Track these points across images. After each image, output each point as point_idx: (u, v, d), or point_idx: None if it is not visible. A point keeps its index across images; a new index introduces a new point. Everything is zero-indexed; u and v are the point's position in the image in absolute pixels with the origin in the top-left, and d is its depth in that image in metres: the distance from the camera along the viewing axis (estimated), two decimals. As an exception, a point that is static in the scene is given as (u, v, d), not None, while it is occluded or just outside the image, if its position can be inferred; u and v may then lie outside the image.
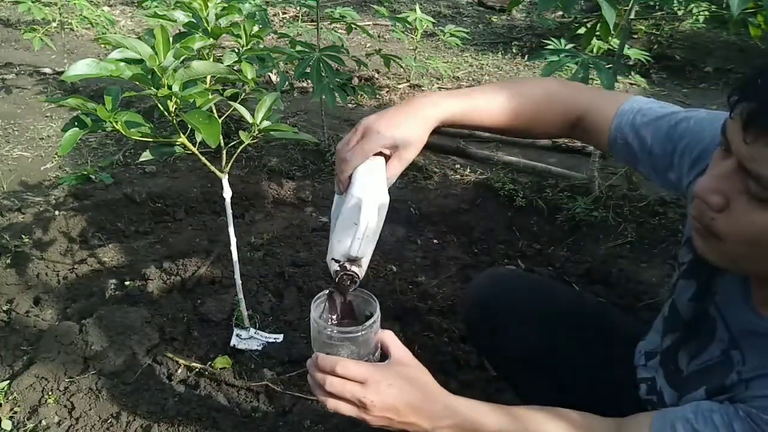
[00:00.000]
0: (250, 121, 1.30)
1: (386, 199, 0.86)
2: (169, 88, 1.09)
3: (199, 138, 1.24)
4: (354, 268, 0.87)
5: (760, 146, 0.62)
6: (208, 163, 1.37)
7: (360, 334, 0.83)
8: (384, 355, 0.88)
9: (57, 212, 2.33)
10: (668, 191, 0.98)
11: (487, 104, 0.93)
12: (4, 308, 1.81)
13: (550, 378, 1.10)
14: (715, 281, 0.86)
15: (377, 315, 0.85)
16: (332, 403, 0.80)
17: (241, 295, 1.64)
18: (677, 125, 0.90)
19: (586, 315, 1.18)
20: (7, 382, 1.51)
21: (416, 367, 0.85)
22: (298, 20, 5.22)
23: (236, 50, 1.39)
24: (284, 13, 5.70)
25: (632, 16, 2.13)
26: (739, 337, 0.79)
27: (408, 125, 0.88)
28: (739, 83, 0.67)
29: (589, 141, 1.02)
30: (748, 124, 0.63)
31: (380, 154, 0.87)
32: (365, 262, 0.88)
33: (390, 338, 0.87)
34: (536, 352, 1.11)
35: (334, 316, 0.93)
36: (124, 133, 1.17)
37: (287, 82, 2.81)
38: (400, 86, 4.12)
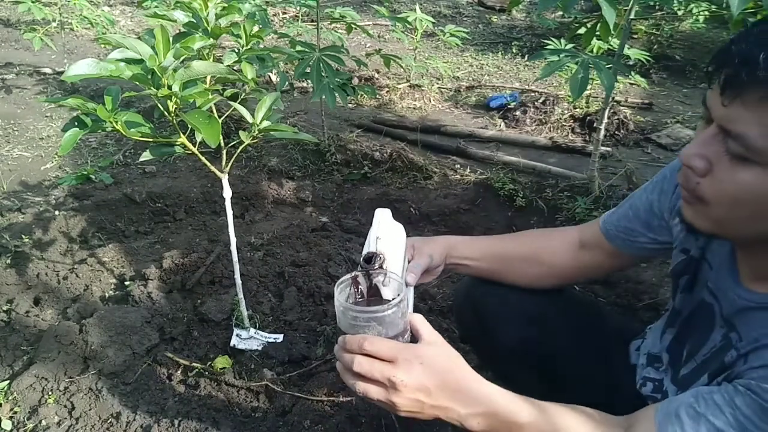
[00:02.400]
0: (250, 121, 1.30)
1: (402, 231, 0.97)
2: (169, 88, 1.09)
3: (199, 138, 1.24)
4: (379, 247, 0.88)
5: (737, 106, 0.66)
6: (208, 163, 1.37)
7: (386, 312, 0.78)
8: (414, 339, 0.82)
9: (57, 212, 2.33)
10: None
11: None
12: (4, 308, 1.81)
13: (542, 373, 1.11)
14: (704, 268, 0.90)
15: (404, 294, 0.80)
16: (361, 386, 0.75)
17: (241, 295, 1.64)
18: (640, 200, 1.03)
19: (575, 309, 1.19)
20: (7, 382, 1.51)
21: (449, 349, 0.79)
22: (298, 20, 5.22)
23: (236, 50, 1.39)
24: (284, 13, 5.71)
25: (632, 16, 2.13)
26: (734, 316, 0.81)
27: None
28: (714, 54, 0.72)
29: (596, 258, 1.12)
30: (725, 87, 0.67)
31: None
32: (393, 266, 0.89)
33: (420, 321, 0.82)
34: (527, 347, 1.11)
35: (360, 299, 0.89)
36: (124, 133, 1.17)
37: (287, 82, 2.82)
38: (400, 86, 4.12)
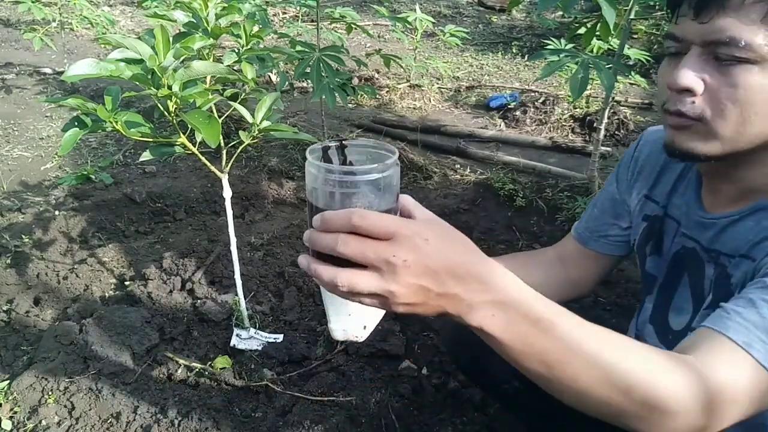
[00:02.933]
0: (250, 121, 1.30)
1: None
2: (169, 88, 1.09)
3: (199, 138, 1.24)
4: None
5: (720, 16, 0.71)
6: (208, 163, 1.37)
7: (381, 175, 0.59)
8: None
9: (57, 212, 2.33)
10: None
11: None
12: (4, 308, 1.81)
13: (539, 399, 1.10)
14: (668, 223, 0.96)
15: (396, 157, 0.62)
16: (346, 277, 0.56)
17: (241, 295, 1.64)
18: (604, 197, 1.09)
19: None
20: (7, 382, 1.51)
21: (454, 229, 0.62)
22: (298, 20, 5.22)
23: (236, 50, 1.39)
24: (284, 13, 5.71)
25: (632, 16, 2.13)
26: (715, 242, 0.85)
27: None
28: None
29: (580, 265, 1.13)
30: (700, 8, 0.72)
31: None
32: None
33: (413, 202, 0.65)
34: (520, 378, 1.11)
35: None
36: (124, 133, 1.17)
37: (287, 82, 2.82)
38: (400, 86, 4.12)
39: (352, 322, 0.83)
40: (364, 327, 0.84)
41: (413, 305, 0.57)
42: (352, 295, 0.57)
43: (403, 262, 0.55)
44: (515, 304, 0.58)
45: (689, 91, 0.75)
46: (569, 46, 2.55)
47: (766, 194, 0.81)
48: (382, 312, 0.85)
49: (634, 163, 1.04)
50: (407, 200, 0.65)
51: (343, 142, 0.66)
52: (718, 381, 0.62)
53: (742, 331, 0.65)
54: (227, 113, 1.47)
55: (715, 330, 0.67)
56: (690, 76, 0.74)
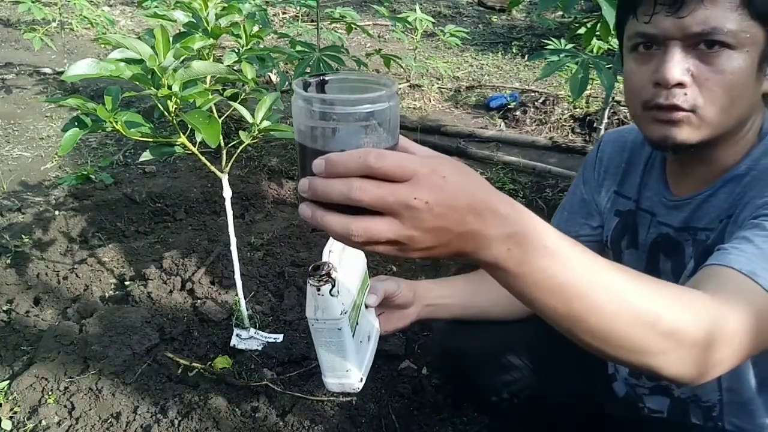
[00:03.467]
0: (250, 121, 1.30)
1: (361, 254, 0.85)
2: (169, 88, 1.10)
3: (199, 138, 1.24)
4: (331, 259, 0.77)
5: (700, 10, 0.74)
6: (208, 163, 1.37)
7: (388, 104, 0.51)
8: None
9: (57, 212, 2.33)
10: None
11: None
12: (4, 308, 1.81)
13: (528, 410, 1.11)
14: (641, 216, 0.98)
15: (396, 86, 0.54)
16: (362, 226, 0.50)
17: (241, 295, 1.64)
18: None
19: (548, 338, 1.17)
20: (7, 382, 1.51)
21: (457, 161, 0.56)
22: (298, 20, 5.22)
23: (236, 50, 1.39)
24: (284, 13, 5.71)
25: (632, 16, 2.12)
26: (691, 219, 0.89)
27: None
28: None
29: None
30: (680, 4, 0.74)
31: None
32: (346, 281, 0.78)
33: (407, 140, 0.59)
34: (510, 389, 1.12)
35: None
36: (124, 133, 1.18)
37: (287, 82, 2.82)
38: (400, 86, 4.12)
39: (349, 378, 0.82)
40: (361, 379, 0.83)
41: (432, 249, 0.52)
42: (369, 244, 0.51)
43: (425, 204, 0.49)
44: (532, 235, 0.54)
45: (680, 85, 0.77)
46: (569, 46, 2.55)
47: (732, 169, 0.85)
48: (373, 353, 0.85)
49: (599, 163, 1.07)
50: (404, 140, 0.59)
51: (326, 77, 0.58)
52: (732, 311, 0.62)
53: (745, 261, 0.67)
54: (227, 113, 1.47)
55: (717, 265, 0.68)
56: (680, 70, 0.76)
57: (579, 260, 0.57)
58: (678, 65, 0.76)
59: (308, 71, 2.49)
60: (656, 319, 0.58)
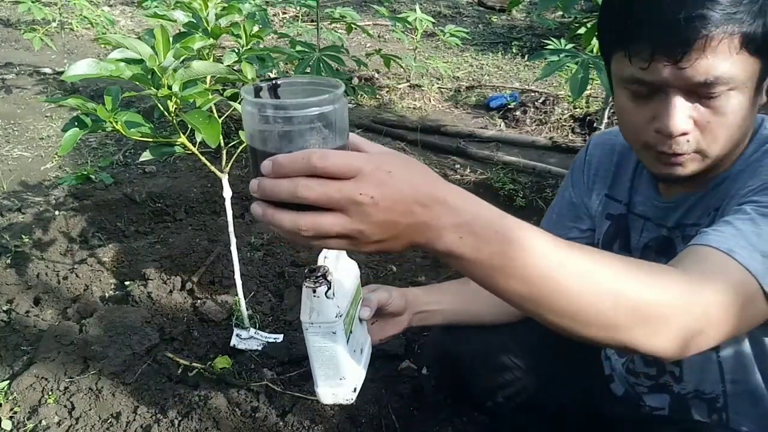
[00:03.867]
0: (250, 121, 1.30)
1: (354, 264, 0.86)
2: (169, 88, 1.10)
3: (199, 138, 1.24)
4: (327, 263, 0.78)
5: (697, 61, 0.71)
6: (208, 163, 1.37)
7: (333, 107, 0.54)
8: None
9: (57, 212, 2.33)
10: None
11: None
12: (4, 308, 1.81)
13: (530, 414, 1.11)
14: (632, 219, 0.98)
15: (343, 89, 0.57)
16: (309, 221, 0.52)
17: (241, 295, 1.64)
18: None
19: (543, 341, 1.17)
20: (7, 382, 1.51)
21: (406, 156, 0.59)
22: (298, 20, 5.23)
23: (236, 50, 1.39)
24: (284, 13, 5.71)
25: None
26: (685, 219, 0.90)
27: None
28: (617, 30, 0.77)
29: None
30: (682, 56, 0.71)
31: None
32: (339, 290, 0.79)
33: (359, 138, 0.61)
34: (505, 391, 1.12)
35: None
36: (124, 133, 1.18)
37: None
38: (400, 86, 4.12)
39: (342, 387, 0.83)
40: (354, 389, 0.83)
41: (383, 242, 0.55)
42: (318, 239, 0.54)
43: (371, 199, 0.52)
44: (482, 222, 0.56)
45: (683, 133, 0.77)
46: (569, 46, 2.55)
47: (726, 171, 0.86)
48: (367, 364, 0.85)
49: (587, 167, 1.06)
50: (354, 137, 0.61)
51: (277, 81, 0.60)
52: (707, 285, 0.63)
53: (723, 240, 0.67)
54: (227, 113, 1.47)
55: (696, 245, 0.69)
56: (684, 120, 0.75)
57: (537, 242, 0.58)
58: (681, 115, 0.75)
59: (308, 71, 2.49)
60: (620, 294, 0.58)
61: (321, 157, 0.51)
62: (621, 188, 1.00)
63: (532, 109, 3.66)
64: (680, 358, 0.63)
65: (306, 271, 0.78)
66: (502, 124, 3.63)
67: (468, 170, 2.89)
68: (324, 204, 0.52)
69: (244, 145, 1.34)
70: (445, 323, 1.10)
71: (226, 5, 1.39)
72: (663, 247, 0.93)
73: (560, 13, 5.69)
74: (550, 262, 0.57)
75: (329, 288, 0.75)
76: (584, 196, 1.07)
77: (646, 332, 0.60)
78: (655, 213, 0.94)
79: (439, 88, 4.21)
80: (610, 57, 0.82)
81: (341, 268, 0.83)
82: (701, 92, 0.74)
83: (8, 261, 2.02)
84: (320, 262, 0.78)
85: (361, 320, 0.88)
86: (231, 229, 1.52)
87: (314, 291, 0.75)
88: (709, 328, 0.62)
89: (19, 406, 1.45)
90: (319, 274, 0.76)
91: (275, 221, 0.54)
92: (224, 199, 1.46)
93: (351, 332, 0.83)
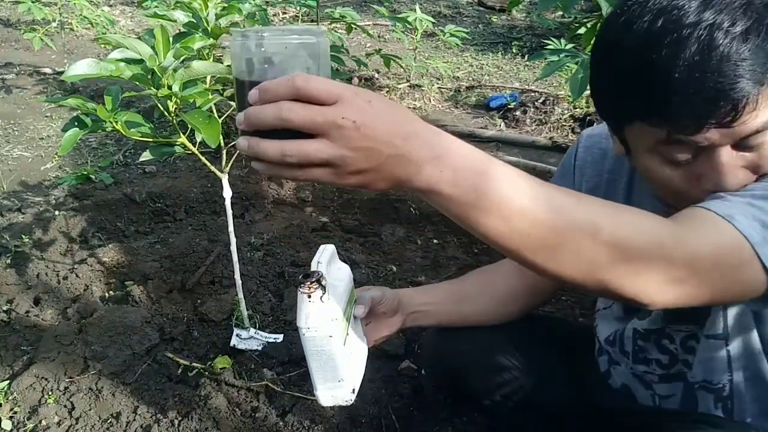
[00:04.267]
0: (250, 121, 1.30)
1: (347, 268, 0.88)
2: (169, 88, 1.10)
3: (199, 138, 1.24)
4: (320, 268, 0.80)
5: (746, 114, 0.68)
6: (208, 163, 1.37)
7: (316, 40, 0.57)
8: None
9: (57, 212, 2.33)
10: None
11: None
12: (4, 308, 1.81)
13: (527, 413, 1.11)
14: None
15: (324, 30, 0.61)
16: (294, 147, 0.54)
17: (241, 295, 1.64)
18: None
19: (538, 340, 1.16)
20: (7, 382, 1.51)
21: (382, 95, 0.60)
22: (298, 20, 5.23)
23: (236, 50, 1.39)
24: (284, 13, 5.71)
25: (632, 16, 2.12)
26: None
27: None
28: (646, 99, 0.71)
29: None
30: (734, 118, 0.68)
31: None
32: (334, 294, 0.81)
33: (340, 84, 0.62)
34: (502, 391, 1.12)
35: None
36: (124, 133, 1.18)
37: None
38: (400, 86, 4.13)
39: (341, 388, 0.84)
40: (353, 390, 0.84)
41: (365, 172, 0.55)
42: (303, 167, 0.55)
43: (352, 123, 0.53)
44: (457, 155, 0.57)
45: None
46: (569, 46, 2.54)
47: None
48: (364, 365, 0.86)
49: (578, 171, 1.03)
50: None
51: (264, 31, 0.62)
52: (693, 237, 0.62)
53: (723, 207, 0.66)
54: (227, 113, 1.47)
55: (695, 207, 0.68)
56: (738, 176, 0.73)
57: (514, 178, 0.58)
58: (734, 172, 0.72)
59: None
60: (599, 228, 0.58)
61: (304, 80, 0.53)
62: (616, 197, 0.98)
63: (532, 109, 3.66)
64: (662, 308, 0.63)
65: (300, 276, 0.79)
66: (502, 124, 3.63)
67: (468, 170, 2.89)
68: (308, 127, 0.53)
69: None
70: (438, 324, 1.10)
71: (226, 5, 1.39)
72: None
73: (560, 13, 5.69)
74: (526, 194, 0.57)
75: (324, 292, 0.77)
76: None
77: (627, 271, 0.60)
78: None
79: (439, 88, 4.21)
80: (629, 123, 0.77)
81: (335, 272, 0.84)
82: (748, 141, 0.72)
83: (8, 261, 2.02)
84: (314, 267, 0.80)
85: (356, 319, 0.89)
86: (231, 229, 1.52)
87: (309, 296, 0.77)
88: (691, 278, 0.62)
89: (19, 406, 1.46)
90: (314, 279, 0.78)
91: (260, 150, 0.55)
92: (224, 199, 1.46)
93: (347, 334, 0.83)
